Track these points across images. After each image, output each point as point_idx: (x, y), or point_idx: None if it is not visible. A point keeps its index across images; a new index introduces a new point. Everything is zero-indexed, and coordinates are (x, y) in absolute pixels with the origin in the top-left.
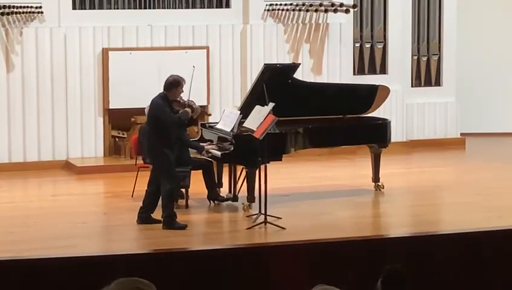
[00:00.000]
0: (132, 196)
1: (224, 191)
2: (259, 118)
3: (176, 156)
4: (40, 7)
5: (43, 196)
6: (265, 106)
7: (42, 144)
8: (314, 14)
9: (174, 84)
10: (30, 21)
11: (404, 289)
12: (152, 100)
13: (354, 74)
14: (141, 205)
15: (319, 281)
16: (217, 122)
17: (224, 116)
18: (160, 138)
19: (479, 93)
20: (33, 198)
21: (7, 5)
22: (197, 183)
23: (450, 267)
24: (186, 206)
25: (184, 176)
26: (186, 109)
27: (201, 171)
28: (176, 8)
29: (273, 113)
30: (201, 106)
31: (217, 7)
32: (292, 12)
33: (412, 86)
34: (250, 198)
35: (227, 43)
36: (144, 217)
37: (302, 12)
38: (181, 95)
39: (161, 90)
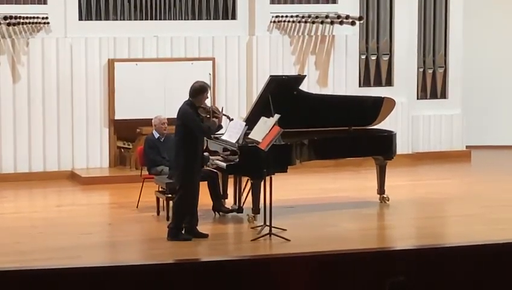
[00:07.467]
0: (137, 207)
1: (229, 202)
2: (264, 130)
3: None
4: (47, 18)
5: (48, 207)
6: (271, 118)
7: (48, 155)
8: (320, 26)
9: (201, 91)
10: (36, 32)
11: None
12: (180, 108)
13: (359, 85)
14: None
15: None
16: (222, 134)
17: (229, 128)
18: (188, 148)
19: (484, 106)
20: (38, 208)
21: (14, 15)
22: (202, 195)
23: (456, 280)
24: None
25: None
26: (214, 119)
27: (206, 182)
28: (182, 19)
29: (279, 124)
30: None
31: (223, 19)
32: (298, 24)
33: (417, 98)
34: (255, 209)
35: (233, 55)
36: (188, 228)
37: (308, 24)
38: (206, 101)
39: (166, 101)
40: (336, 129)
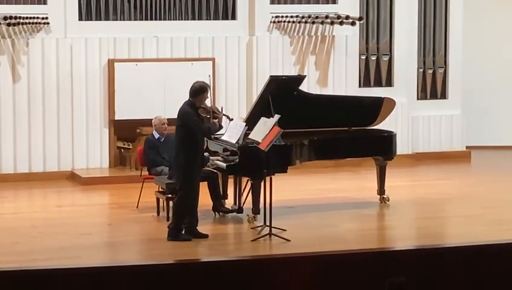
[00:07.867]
0: (137, 207)
1: (229, 202)
2: (264, 130)
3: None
4: (47, 18)
5: (48, 207)
6: (271, 118)
7: (47, 155)
8: (320, 26)
9: (201, 91)
10: (36, 32)
11: None
12: (180, 109)
13: (359, 86)
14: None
15: None
16: (222, 134)
17: (229, 128)
18: (188, 149)
19: (484, 106)
20: (38, 209)
21: (14, 15)
22: (202, 195)
23: (456, 280)
24: None
25: None
26: (214, 120)
27: (206, 182)
28: (182, 19)
29: (279, 125)
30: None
31: (223, 19)
32: (298, 24)
33: (417, 99)
34: (255, 210)
35: (233, 55)
36: (188, 229)
37: (308, 25)
38: (206, 101)
39: (166, 101)
40: (336, 129)
